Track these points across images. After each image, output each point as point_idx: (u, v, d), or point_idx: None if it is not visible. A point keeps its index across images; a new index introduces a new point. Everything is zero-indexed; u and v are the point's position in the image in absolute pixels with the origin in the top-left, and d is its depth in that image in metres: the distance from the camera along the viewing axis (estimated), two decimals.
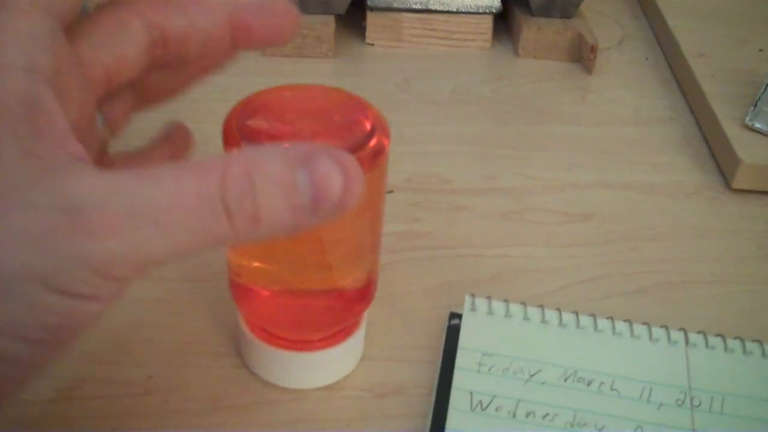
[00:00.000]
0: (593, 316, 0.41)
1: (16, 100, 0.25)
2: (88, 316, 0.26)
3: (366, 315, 0.39)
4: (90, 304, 0.26)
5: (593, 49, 0.61)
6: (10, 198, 0.24)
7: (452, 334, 0.40)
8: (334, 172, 0.26)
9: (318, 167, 0.26)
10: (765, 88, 0.55)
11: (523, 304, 0.41)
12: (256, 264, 0.35)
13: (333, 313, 0.36)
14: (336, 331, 0.37)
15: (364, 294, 0.37)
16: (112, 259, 0.25)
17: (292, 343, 0.37)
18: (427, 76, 0.61)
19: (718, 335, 0.41)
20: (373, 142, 0.32)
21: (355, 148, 0.32)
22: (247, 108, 0.33)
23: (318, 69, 0.61)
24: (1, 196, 0.25)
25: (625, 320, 0.41)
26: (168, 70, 0.33)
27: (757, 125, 0.53)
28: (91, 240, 0.24)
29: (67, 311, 0.25)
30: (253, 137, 0.32)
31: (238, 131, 0.32)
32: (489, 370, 0.38)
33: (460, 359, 0.38)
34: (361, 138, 0.32)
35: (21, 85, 0.25)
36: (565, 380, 0.38)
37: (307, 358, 0.37)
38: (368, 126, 0.33)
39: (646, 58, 0.66)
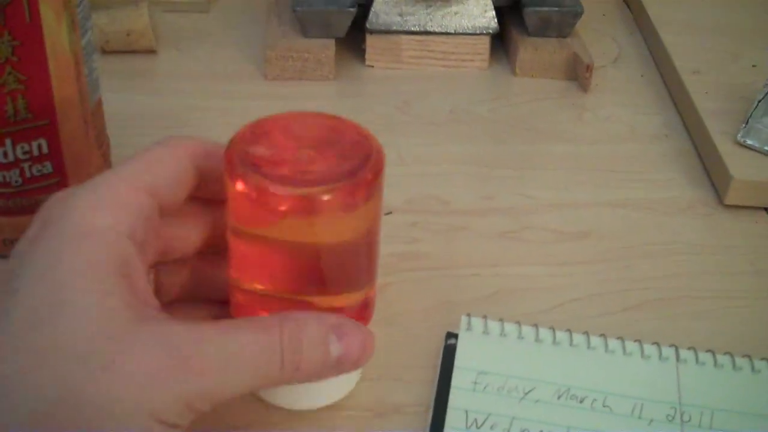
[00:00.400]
0: (586, 334, 0.42)
1: (120, 261, 0.31)
2: None
3: None
4: (175, 431, 0.31)
5: (588, 68, 0.62)
6: (124, 342, 0.29)
7: (449, 354, 0.41)
8: (358, 339, 0.35)
9: (345, 335, 0.34)
10: (756, 105, 0.56)
11: (518, 323, 0.42)
12: (255, 286, 0.36)
13: None
14: None
15: (361, 315, 0.38)
16: (201, 395, 0.30)
17: None
18: (426, 97, 0.62)
19: (708, 351, 0.42)
20: (368, 171, 0.34)
21: (351, 176, 0.33)
22: (249, 136, 0.35)
23: (319, 91, 0.62)
24: (116, 340, 0.29)
25: (617, 338, 0.42)
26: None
27: (749, 141, 0.55)
28: (190, 378, 0.30)
29: None
30: (255, 165, 0.33)
31: (240, 159, 0.33)
32: (484, 388, 0.39)
33: (456, 378, 0.40)
34: (357, 166, 0.34)
35: (122, 247, 0.31)
36: (559, 398, 0.39)
37: None
38: (365, 155, 0.34)
39: (642, 75, 0.67)
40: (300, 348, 0.33)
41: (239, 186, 0.33)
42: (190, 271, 0.39)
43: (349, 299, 0.37)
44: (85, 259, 0.30)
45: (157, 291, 0.37)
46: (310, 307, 0.36)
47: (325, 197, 0.33)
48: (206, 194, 0.37)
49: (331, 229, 0.34)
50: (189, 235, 0.37)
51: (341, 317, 0.35)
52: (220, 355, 0.31)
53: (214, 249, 0.38)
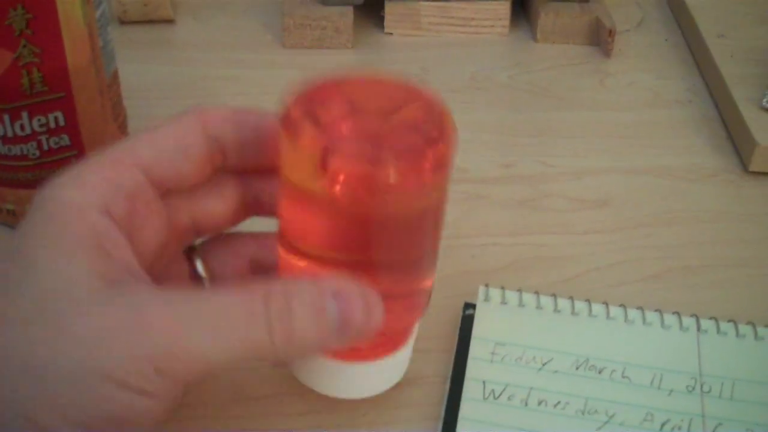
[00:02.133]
0: (605, 304, 0.42)
1: (90, 233, 0.30)
2: (146, 412, 0.29)
3: (417, 327, 0.38)
4: (149, 401, 0.29)
5: (611, 33, 0.61)
6: (83, 305, 0.29)
7: (466, 324, 0.41)
8: (359, 303, 0.31)
9: (345, 300, 0.31)
10: None
11: (536, 293, 0.42)
12: (303, 264, 0.34)
13: (388, 321, 0.34)
14: (385, 340, 0.36)
15: (414, 304, 0.36)
16: (168, 358, 0.29)
17: (340, 353, 0.35)
18: (445, 64, 0.62)
19: (729, 321, 0.41)
20: (434, 154, 0.31)
21: (414, 159, 0.31)
22: (312, 96, 0.32)
23: (338, 60, 0.62)
24: (76, 303, 0.29)
25: (637, 307, 0.42)
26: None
27: None
28: (152, 338, 0.28)
29: (127, 404, 0.29)
30: (324, 126, 0.31)
31: (304, 115, 0.31)
32: (502, 359, 0.39)
33: (474, 349, 0.39)
34: (423, 148, 0.31)
35: (95, 221, 0.30)
36: (577, 368, 0.39)
37: (353, 369, 0.36)
38: (434, 135, 0.32)
39: (666, 40, 0.66)
40: (290, 314, 0.30)
41: (303, 140, 0.31)
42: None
43: (402, 287, 0.35)
44: (51, 232, 0.30)
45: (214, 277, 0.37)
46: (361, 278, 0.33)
47: (391, 176, 0.30)
48: (239, 165, 0.35)
49: (395, 204, 0.32)
50: (216, 208, 0.36)
51: (341, 280, 0.32)
52: (189, 315, 0.29)
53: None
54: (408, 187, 0.31)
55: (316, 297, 0.31)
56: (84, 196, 0.31)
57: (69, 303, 0.29)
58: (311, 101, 0.32)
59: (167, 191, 0.34)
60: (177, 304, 0.29)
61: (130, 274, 0.31)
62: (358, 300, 0.31)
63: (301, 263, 0.34)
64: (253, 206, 0.37)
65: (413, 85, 0.34)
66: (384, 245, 0.33)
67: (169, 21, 0.64)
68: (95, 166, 0.32)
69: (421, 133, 0.32)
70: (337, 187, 0.31)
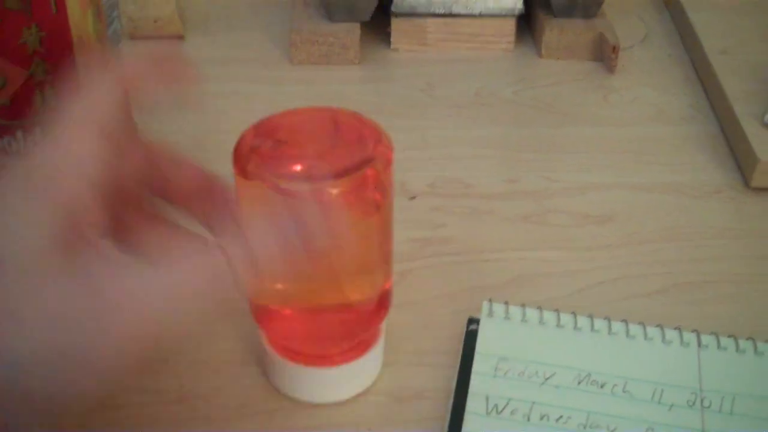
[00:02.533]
0: (607, 319, 0.42)
1: (63, 200, 0.30)
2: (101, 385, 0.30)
3: (384, 327, 0.40)
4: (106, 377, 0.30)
5: (615, 49, 0.62)
6: (46, 287, 0.29)
7: (470, 340, 0.41)
8: (310, 207, 0.31)
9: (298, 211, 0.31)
10: None
11: (539, 308, 0.43)
12: (273, 287, 0.36)
13: (348, 327, 0.38)
14: (354, 345, 0.39)
15: (378, 307, 0.38)
16: (131, 329, 0.29)
17: (312, 358, 0.38)
18: (451, 79, 0.63)
19: (730, 336, 0.42)
20: (377, 161, 0.34)
21: (358, 168, 0.33)
22: (257, 132, 0.35)
23: (344, 76, 0.62)
24: (40, 285, 0.29)
25: (638, 323, 0.42)
26: None
27: None
28: (110, 315, 0.29)
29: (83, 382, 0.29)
30: (263, 164, 0.34)
31: (248, 159, 0.34)
32: (505, 374, 0.40)
33: (477, 364, 0.40)
34: (363, 160, 0.34)
35: (71, 189, 0.31)
36: (579, 383, 0.39)
37: (326, 373, 0.39)
38: (373, 146, 0.34)
39: (669, 55, 0.66)
40: (242, 236, 0.30)
41: (251, 185, 0.33)
42: None
43: (363, 292, 0.37)
44: (24, 197, 0.30)
45: None
46: (324, 301, 0.37)
47: (335, 190, 0.33)
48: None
49: (343, 222, 0.34)
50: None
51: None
52: (143, 283, 0.30)
53: None
54: (353, 204, 0.34)
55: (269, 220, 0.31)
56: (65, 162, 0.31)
57: (20, 277, 0.29)
58: (255, 137, 0.35)
59: None
60: (132, 275, 0.30)
61: (96, 245, 0.31)
62: (310, 205, 0.31)
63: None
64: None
65: (344, 112, 0.37)
66: (343, 258, 0.34)
67: (179, 37, 0.65)
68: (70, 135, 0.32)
69: (358, 152, 0.34)
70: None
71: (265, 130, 0.35)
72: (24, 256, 0.29)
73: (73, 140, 0.32)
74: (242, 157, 0.34)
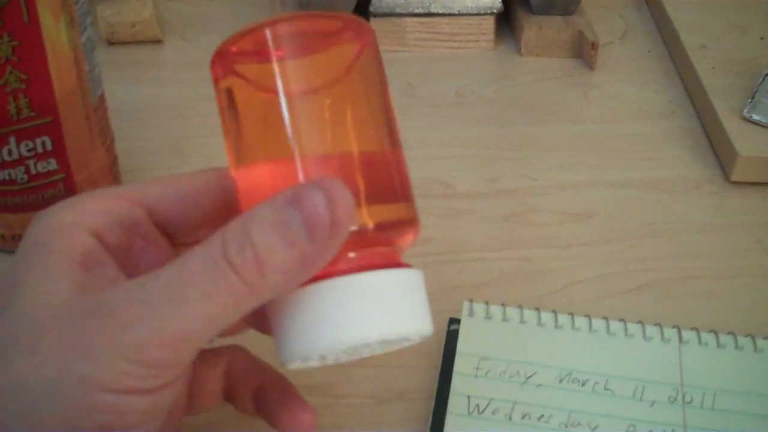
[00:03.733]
0: (588, 317, 0.42)
1: (74, 250, 0.30)
2: (140, 410, 0.28)
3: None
4: (140, 398, 0.28)
5: (594, 46, 0.62)
6: (60, 322, 0.28)
7: (451, 340, 0.41)
8: (318, 195, 0.27)
9: (304, 198, 0.27)
10: (763, 79, 0.56)
11: (520, 307, 0.43)
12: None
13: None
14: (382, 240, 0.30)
15: (405, 197, 0.32)
16: (142, 345, 0.27)
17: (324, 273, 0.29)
18: (431, 79, 0.62)
19: (711, 331, 0.42)
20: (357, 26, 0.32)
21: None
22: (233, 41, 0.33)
23: None
24: (54, 321, 0.28)
25: (619, 320, 0.42)
26: None
27: (756, 117, 0.54)
28: (119, 332, 0.27)
29: (118, 408, 0.27)
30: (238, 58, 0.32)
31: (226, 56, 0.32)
32: (486, 374, 0.40)
33: (458, 364, 0.40)
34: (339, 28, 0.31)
35: (81, 241, 0.30)
36: (560, 381, 0.39)
37: (341, 286, 0.29)
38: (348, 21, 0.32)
39: (649, 51, 0.66)
40: (249, 239, 0.27)
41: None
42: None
43: (381, 212, 0.30)
44: (37, 253, 0.30)
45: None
46: None
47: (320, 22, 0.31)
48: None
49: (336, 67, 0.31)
50: None
51: (295, 185, 0.28)
52: (151, 294, 0.27)
53: None
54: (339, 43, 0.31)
55: (273, 212, 0.27)
56: (75, 218, 0.31)
57: (47, 320, 0.28)
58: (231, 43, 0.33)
59: (173, 232, 0.34)
60: (137, 289, 0.28)
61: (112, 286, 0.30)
62: (317, 193, 0.27)
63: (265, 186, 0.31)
64: None
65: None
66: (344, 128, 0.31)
67: (158, 41, 0.64)
68: (95, 195, 0.32)
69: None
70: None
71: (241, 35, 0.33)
72: (50, 308, 0.28)
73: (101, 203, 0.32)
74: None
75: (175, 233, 0.34)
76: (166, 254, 0.33)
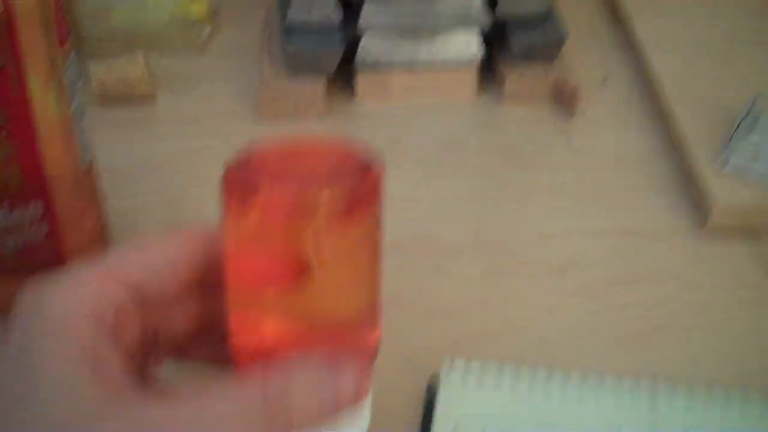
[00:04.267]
0: (566, 372, 0.43)
1: (86, 346, 0.31)
2: None
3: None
4: None
5: (574, 93, 0.63)
6: (89, 418, 0.29)
7: (430, 400, 0.42)
8: (351, 376, 0.32)
9: (339, 373, 0.32)
10: (737, 127, 0.57)
11: (499, 364, 0.44)
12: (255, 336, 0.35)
13: None
14: None
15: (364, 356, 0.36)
16: None
17: None
18: (415, 131, 0.64)
19: (685, 382, 0.43)
20: (371, 176, 0.34)
21: (353, 178, 0.33)
22: (245, 160, 0.35)
23: (310, 129, 0.64)
24: (81, 416, 0.29)
25: (596, 373, 0.43)
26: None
27: (732, 163, 0.55)
28: None
29: None
30: (250, 185, 0.33)
31: (238, 181, 0.33)
32: None
33: (437, 426, 0.41)
34: (358, 171, 0.34)
35: (90, 335, 0.31)
36: None
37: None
38: (364, 166, 0.34)
39: (630, 97, 0.67)
40: (289, 402, 0.31)
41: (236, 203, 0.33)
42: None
43: (353, 334, 0.36)
44: (51, 346, 0.31)
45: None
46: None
47: (327, 195, 0.32)
48: (209, 281, 0.36)
49: (334, 240, 0.33)
50: (180, 322, 0.37)
51: (329, 350, 0.33)
52: (192, 424, 0.30)
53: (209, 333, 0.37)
54: (344, 215, 0.33)
55: (314, 377, 0.31)
56: (77, 308, 0.32)
57: (74, 416, 0.29)
58: (242, 165, 0.34)
59: (144, 304, 0.35)
60: (177, 422, 0.30)
61: (121, 387, 0.32)
62: (349, 370, 0.32)
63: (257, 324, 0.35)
64: (211, 322, 0.37)
65: (347, 146, 0.36)
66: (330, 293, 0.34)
67: (150, 97, 0.66)
68: (84, 277, 0.33)
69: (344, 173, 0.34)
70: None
71: (252, 158, 0.35)
72: (74, 403, 0.30)
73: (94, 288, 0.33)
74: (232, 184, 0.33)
75: (149, 308, 0.35)
76: (138, 325, 0.34)
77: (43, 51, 0.42)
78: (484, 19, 0.64)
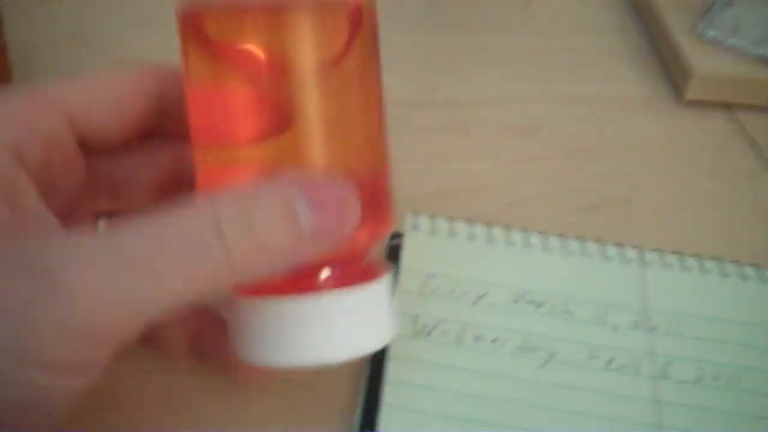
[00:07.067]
0: (543, 233, 0.38)
1: None
2: (68, 390, 0.23)
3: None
4: (72, 378, 0.23)
5: None
6: None
7: (393, 254, 0.37)
8: (332, 200, 0.25)
9: (316, 196, 0.24)
10: None
11: (469, 221, 0.38)
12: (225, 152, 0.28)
13: None
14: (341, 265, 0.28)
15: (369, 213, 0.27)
16: (93, 321, 0.22)
17: (290, 284, 0.27)
18: None
19: (674, 253, 0.38)
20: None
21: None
22: None
23: None
24: None
25: (576, 238, 0.38)
26: None
27: (711, 33, 0.51)
28: (65, 302, 0.21)
29: (45, 387, 0.22)
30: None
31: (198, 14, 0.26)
32: (433, 292, 0.35)
33: (403, 282, 0.35)
34: None
35: (4, 163, 0.25)
36: (515, 302, 0.35)
37: (312, 305, 0.27)
38: None
39: None
40: (250, 223, 0.23)
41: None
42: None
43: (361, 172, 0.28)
44: None
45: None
46: None
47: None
48: (169, 129, 0.30)
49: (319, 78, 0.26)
50: (140, 175, 0.30)
51: (307, 174, 0.26)
52: (111, 262, 0.22)
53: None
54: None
55: (283, 198, 0.24)
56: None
57: None
58: None
59: (90, 145, 0.29)
60: (94, 250, 0.22)
61: (38, 224, 0.25)
62: (333, 197, 0.25)
63: (230, 168, 0.27)
64: (182, 180, 0.31)
65: None
66: (321, 109, 0.27)
67: None
68: (9, 99, 0.26)
69: None
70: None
71: None
72: None
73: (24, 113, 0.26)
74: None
75: (92, 143, 0.28)
76: (81, 174, 0.29)
77: None
78: None
